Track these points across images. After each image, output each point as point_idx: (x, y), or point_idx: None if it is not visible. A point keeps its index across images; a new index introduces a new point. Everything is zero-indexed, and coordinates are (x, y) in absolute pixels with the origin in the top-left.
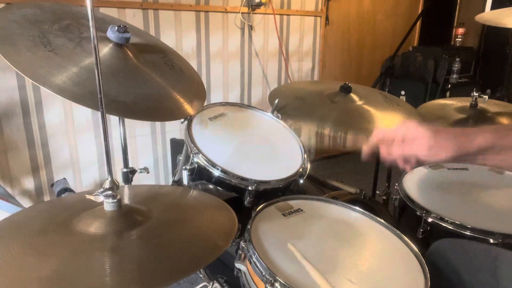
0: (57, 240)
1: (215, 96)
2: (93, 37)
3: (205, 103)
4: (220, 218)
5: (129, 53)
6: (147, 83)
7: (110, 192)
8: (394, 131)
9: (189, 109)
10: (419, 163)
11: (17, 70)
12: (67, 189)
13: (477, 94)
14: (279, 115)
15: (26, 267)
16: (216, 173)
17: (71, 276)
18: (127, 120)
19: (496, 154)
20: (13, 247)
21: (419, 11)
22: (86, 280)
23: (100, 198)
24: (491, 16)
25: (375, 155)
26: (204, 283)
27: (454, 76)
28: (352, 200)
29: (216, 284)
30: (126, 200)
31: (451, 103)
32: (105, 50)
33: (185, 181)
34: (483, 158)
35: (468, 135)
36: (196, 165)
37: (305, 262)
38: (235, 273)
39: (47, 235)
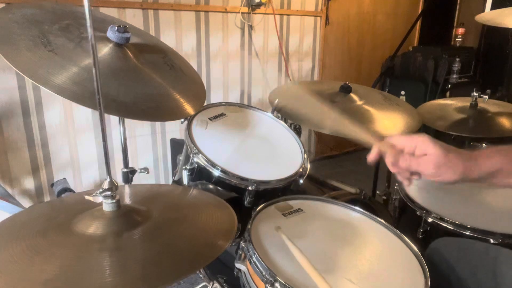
0: (58, 241)
1: (215, 96)
2: (90, 37)
3: (205, 103)
4: (220, 216)
5: (129, 53)
6: (147, 83)
7: (109, 192)
8: (406, 141)
9: (189, 109)
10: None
11: (17, 70)
12: (67, 189)
13: (477, 94)
14: (279, 115)
15: (30, 269)
16: (216, 173)
17: (75, 278)
18: (127, 120)
19: (505, 177)
20: (16, 249)
21: (419, 11)
22: (89, 282)
23: (99, 199)
24: (491, 16)
25: (380, 160)
26: (204, 283)
27: (454, 76)
28: (352, 200)
29: (216, 284)
30: (125, 200)
31: (451, 103)
32: (105, 50)
33: (185, 181)
34: (491, 181)
35: (476, 160)
36: (196, 165)
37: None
38: (235, 273)
39: (48, 237)
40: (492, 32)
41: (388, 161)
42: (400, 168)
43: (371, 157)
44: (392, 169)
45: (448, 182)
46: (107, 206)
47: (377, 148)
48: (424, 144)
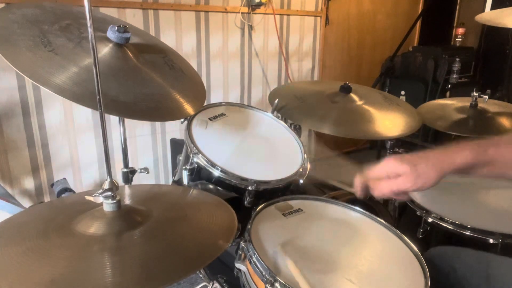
0: (59, 242)
1: (215, 96)
2: (91, 37)
3: (205, 103)
4: (220, 216)
5: (129, 53)
6: (147, 83)
7: (109, 193)
8: (377, 171)
9: (189, 109)
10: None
11: (17, 70)
12: (67, 189)
13: (477, 94)
14: (279, 115)
15: (31, 270)
16: (216, 173)
17: (76, 279)
18: (127, 120)
19: (480, 169)
20: (16, 250)
21: (419, 11)
22: (89, 282)
23: (100, 199)
24: (491, 16)
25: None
26: (204, 283)
27: (454, 76)
28: (352, 200)
29: (216, 284)
30: (126, 200)
31: (451, 103)
32: (105, 50)
33: (185, 181)
34: (469, 173)
35: (447, 157)
36: (196, 165)
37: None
38: (235, 273)
39: (49, 237)
40: (492, 32)
41: (375, 193)
42: (386, 194)
43: (359, 194)
44: (381, 197)
45: (429, 187)
46: (108, 206)
47: (358, 183)
48: (393, 167)
